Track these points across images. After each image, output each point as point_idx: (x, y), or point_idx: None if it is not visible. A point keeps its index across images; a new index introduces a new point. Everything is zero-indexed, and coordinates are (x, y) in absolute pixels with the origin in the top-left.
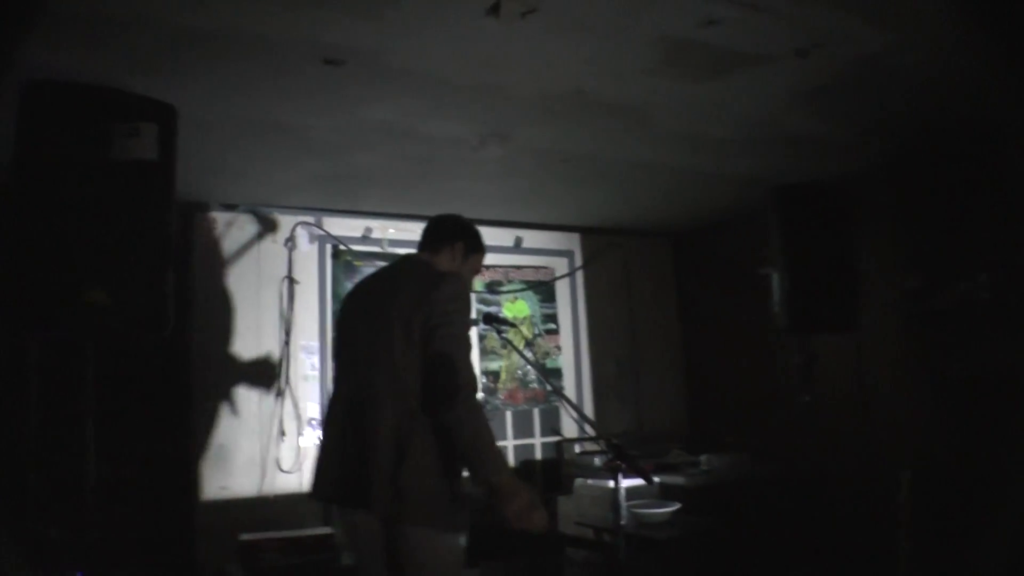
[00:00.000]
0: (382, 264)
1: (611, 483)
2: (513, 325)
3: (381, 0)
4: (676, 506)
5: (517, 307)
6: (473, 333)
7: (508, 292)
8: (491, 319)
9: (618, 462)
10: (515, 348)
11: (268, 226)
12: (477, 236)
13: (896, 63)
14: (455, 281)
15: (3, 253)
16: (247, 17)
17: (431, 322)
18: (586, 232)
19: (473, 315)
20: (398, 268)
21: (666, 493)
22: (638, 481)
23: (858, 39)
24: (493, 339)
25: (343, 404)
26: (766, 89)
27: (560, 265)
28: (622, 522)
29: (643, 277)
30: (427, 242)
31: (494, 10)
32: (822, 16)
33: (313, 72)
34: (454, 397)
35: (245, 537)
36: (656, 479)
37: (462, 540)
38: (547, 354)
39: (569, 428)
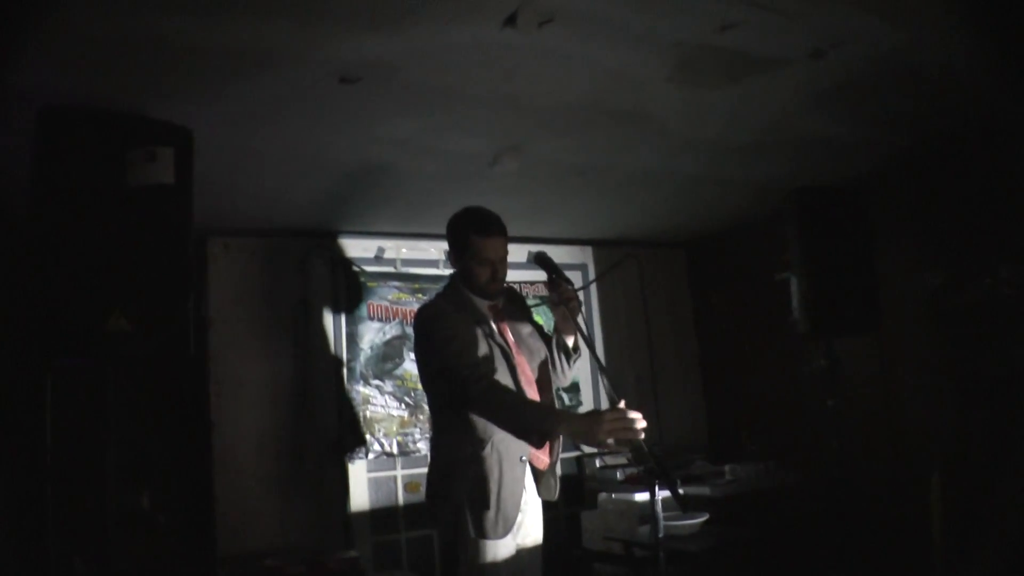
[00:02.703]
0: (396, 284)
1: (637, 496)
2: (568, 281)
3: (399, 14)
4: (705, 517)
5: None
6: None
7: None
8: (544, 260)
9: (652, 474)
10: (565, 306)
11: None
12: (459, 228)
13: (911, 60)
14: (417, 320)
15: (22, 281)
16: (261, 35)
17: (422, 367)
18: (599, 245)
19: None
20: None
21: (691, 504)
22: (665, 492)
23: (873, 38)
24: None
25: None
26: (782, 92)
27: (574, 279)
28: (660, 535)
29: (658, 287)
30: None
31: (511, 20)
32: (838, 16)
33: (328, 91)
34: (467, 393)
35: (268, 563)
36: (681, 491)
37: (506, 544)
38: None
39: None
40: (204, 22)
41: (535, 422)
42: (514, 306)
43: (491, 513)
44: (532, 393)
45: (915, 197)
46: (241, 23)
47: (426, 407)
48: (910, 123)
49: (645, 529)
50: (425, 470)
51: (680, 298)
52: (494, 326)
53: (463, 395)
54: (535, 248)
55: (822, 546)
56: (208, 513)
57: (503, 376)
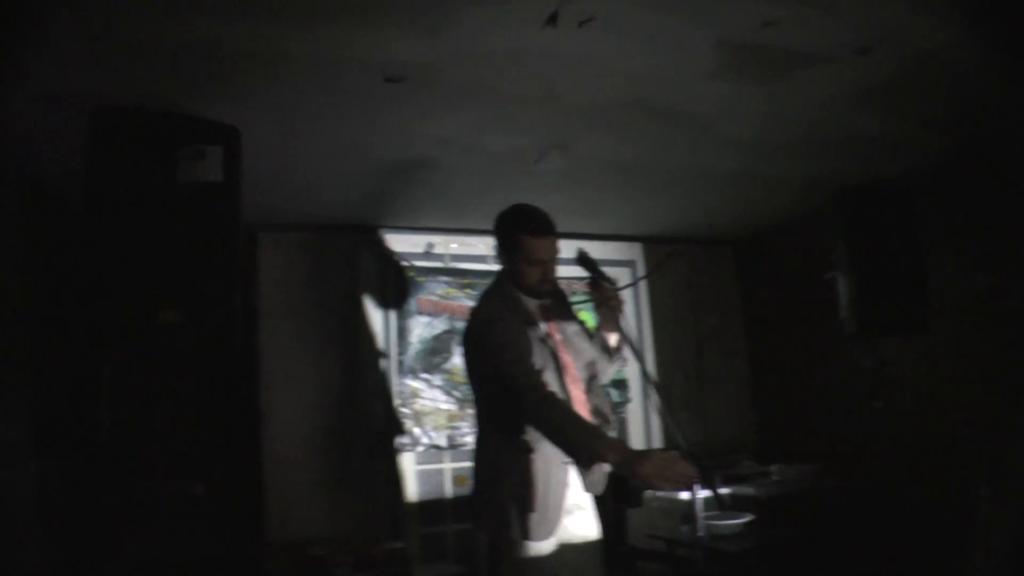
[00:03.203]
0: (444, 280)
1: (681, 494)
2: (610, 281)
3: (439, 17)
4: (749, 517)
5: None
6: None
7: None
8: (585, 260)
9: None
10: (606, 306)
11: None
12: (508, 227)
13: (958, 56)
14: (469, 325)
15: (77, 276)
16: (307, 38)
17: (473, 370)
18: (648, 241)
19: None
20: None
21: (737, 504)
22: (706, 492)
23: (919, 34)
24: None
25: None
26: (827, 89)
27: (623, 276)
28: (699, 534)
29: (706, 285)
30: None
31: (552, 20)
32: (881, 12)
33: (374, 90)
34: (522, 402)
35: (314, 551)
36: (724, 490)
37: (549, 544)
38: None
39: (636, 441)
40: (252, 25)
41: (585, 446)
42: (559, 304)
43: (535, 516)
44: (578, 392)
45: (966, 196)
46: (288, 27)
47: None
48: (957, 121)
49: (687, 527)
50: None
51: (729, 296)
52: (543, 326)
53: (518, 403)
54: (583, 244)
55: (866, 550)
56: (256, 502)
57: (549, 376)
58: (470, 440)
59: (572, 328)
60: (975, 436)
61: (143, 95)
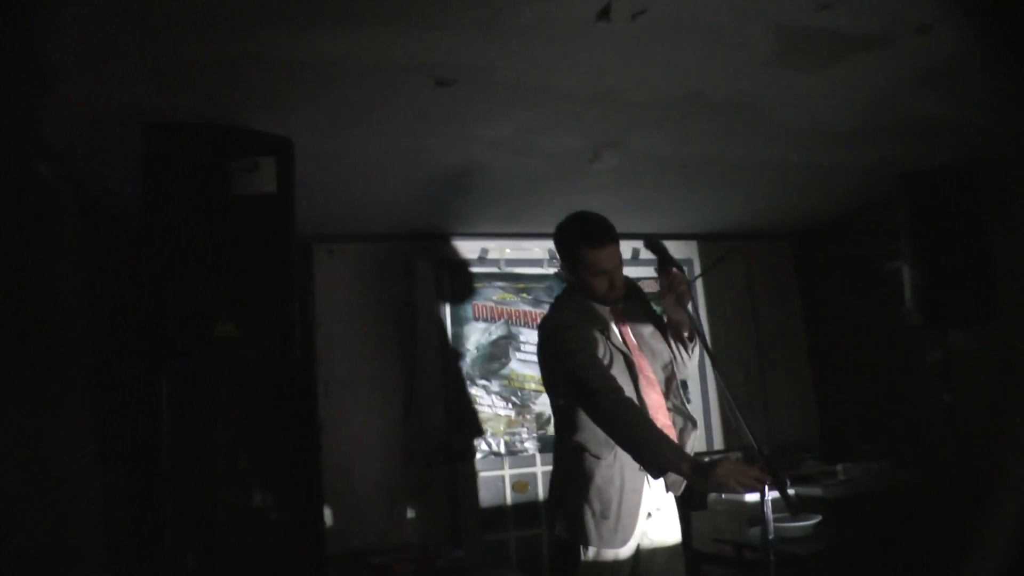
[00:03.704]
0: (500, 285)
1: (747, 497)
2: (679, 267)
3: (488, 16)
4: (818, 519)
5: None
6: None
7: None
8: (655, 246)
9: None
10: (676, 292)
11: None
12: (569, 240)
13: None
14: (541, 332)
15: (136, 290)
16: (354, 44)
17: (548, 375)
18: (704, 239)
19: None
20: None
21: (802, 505)
22: (775, 494)
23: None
24: None
25: None
26: (888, 71)
27: None
28: (770, 537)
29: (764, 281)
30: None
31: (604, 14)
32: None
33: (425, 95)
34: (596, 406)
35: (376, 560)
36: (791, 491)
37: (626, 551)
38: None
39: (698, 442)
40: (300, 35)
41: (656, 454)
42: (635, 303)
43: (610, 522)
44: (655, 396)
45: None
46: (336, 34)
47: (533, 406)
48: None
49: (755, 531)
50: (533, 469)
51: (788, 291)
52: (616, 330)
53: (592, 407)
54: (638, 244)
55: (940, 550)
56: (318, 511)
57: (623, 381)
58: (530, 446)
59: (648, 330)
60: None
61: (195, 110)
